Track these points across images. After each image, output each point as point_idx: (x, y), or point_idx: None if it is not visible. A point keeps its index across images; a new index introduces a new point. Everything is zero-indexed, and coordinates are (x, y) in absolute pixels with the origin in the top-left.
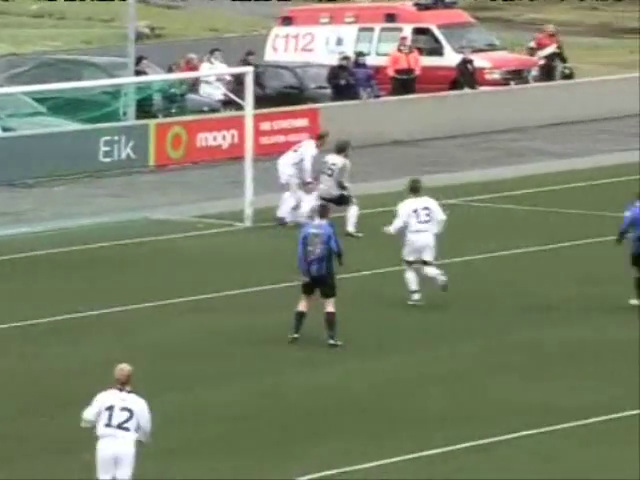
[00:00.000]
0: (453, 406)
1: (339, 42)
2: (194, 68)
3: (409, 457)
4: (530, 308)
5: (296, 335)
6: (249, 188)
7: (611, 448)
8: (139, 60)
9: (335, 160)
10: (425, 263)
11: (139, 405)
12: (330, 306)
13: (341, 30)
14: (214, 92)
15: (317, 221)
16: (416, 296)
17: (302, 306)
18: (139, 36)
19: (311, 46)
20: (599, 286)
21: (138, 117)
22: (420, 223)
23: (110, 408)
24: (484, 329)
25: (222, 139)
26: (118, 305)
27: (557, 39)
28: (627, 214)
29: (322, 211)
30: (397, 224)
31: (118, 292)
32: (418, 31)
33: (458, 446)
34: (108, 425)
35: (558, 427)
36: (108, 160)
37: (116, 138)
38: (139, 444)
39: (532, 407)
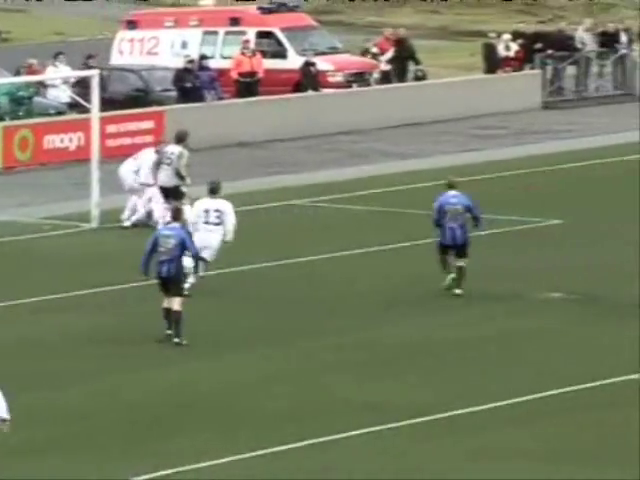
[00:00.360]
0: (293, 405)
1: (184, 45)
2: (37, 72)
3: (248, 455)
4: (369, 307)
5: (169, 332)
6: (95, 190)
7: (443, 445)
8: None
9: (174, 149)
10: (202, 259)
11: None
12: (176, 305)
13: (186, 33)
14: (61, 95)
15: (167, 223)
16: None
17: (166, 303)
18: None
19: (156, 49)
20: (437, 285)
21: None
22: (207, 224)
23: None
24: (324, 328)
25: (69, 141)
26: None
27: (406, 42)
28: (435, 204)
29: (175, 213)
30: (190, 220)
31: None
32: (262, 34)
33: (296, 444)
34: None
35: (395, 425)
36: None
37: None
38: None
39: (369, 405)
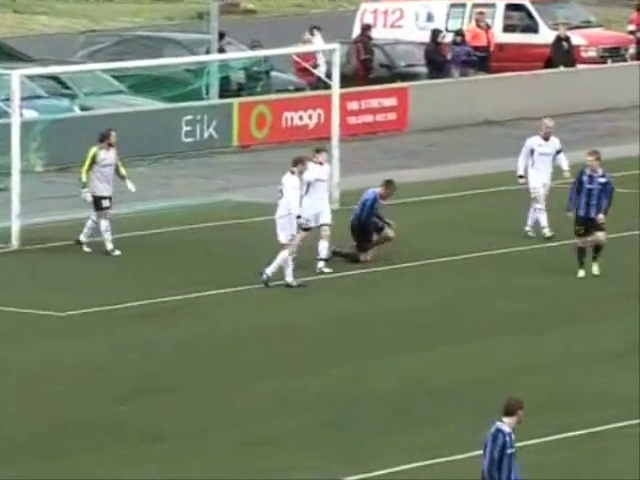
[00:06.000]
0: (546, 396)
1: (429, 18)
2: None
3: None
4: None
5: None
6: (336, 169)
7: None
8: (221, 37)
9: None
10: None
11: None
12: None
13: (432, 5)
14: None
15: None
16: None
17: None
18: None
19: (400, 22)
20: None
21: (221, 96)
22: None
23: None
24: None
25: (308, 118)
26: None
27: None
28: None
29: None
30: None
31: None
32: (511, 7)
33: (557, 436)
34: None
35: None
36: (190, 140)
37: (198, 117)
38: None
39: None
